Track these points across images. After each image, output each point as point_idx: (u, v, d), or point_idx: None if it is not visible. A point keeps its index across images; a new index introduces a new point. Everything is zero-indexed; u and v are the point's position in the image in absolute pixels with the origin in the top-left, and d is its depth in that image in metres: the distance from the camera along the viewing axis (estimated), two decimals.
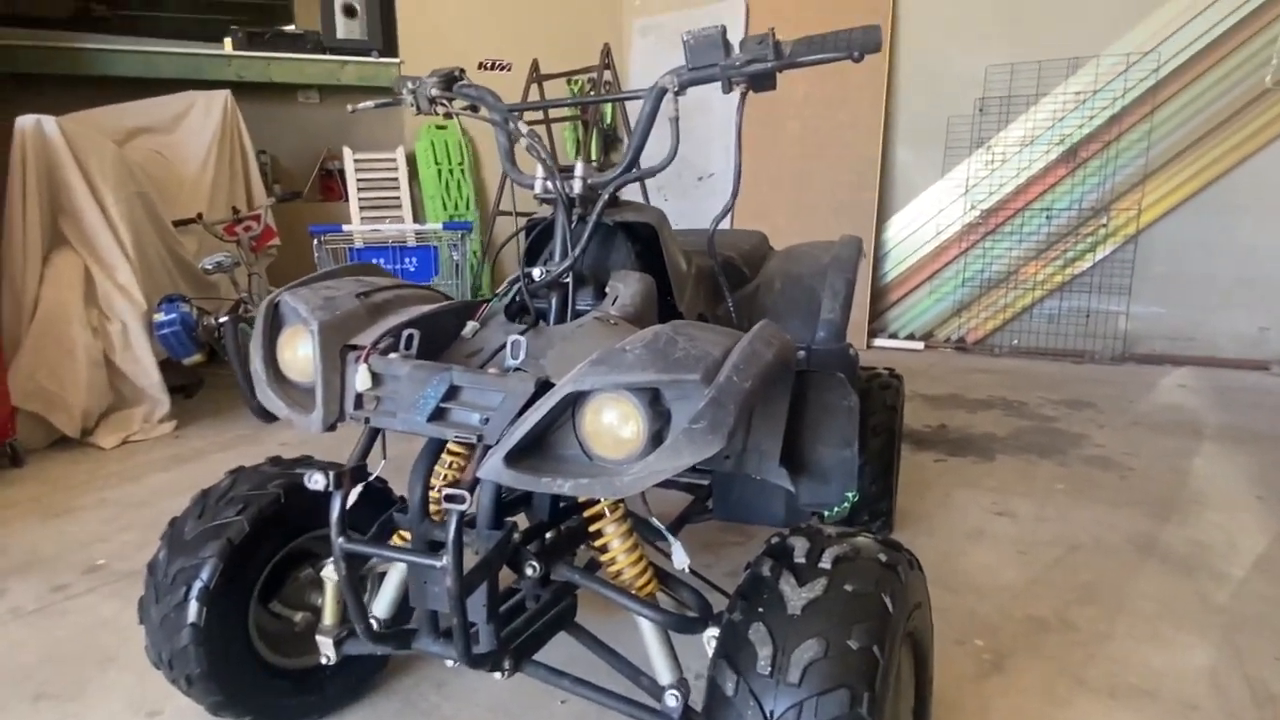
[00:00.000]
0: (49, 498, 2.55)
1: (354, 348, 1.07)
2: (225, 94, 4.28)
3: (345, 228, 3.73)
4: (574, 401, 0.93)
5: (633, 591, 1.12)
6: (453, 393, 0.98)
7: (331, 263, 3.81)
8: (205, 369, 3.55)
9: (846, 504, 1.37)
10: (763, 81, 1.20)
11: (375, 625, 1.11)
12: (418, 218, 5.23)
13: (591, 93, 5.30)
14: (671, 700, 1.08)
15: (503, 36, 5.44)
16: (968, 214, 4.86)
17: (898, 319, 5.20)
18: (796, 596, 0.92)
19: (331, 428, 1.05)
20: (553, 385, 0.94)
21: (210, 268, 3.37)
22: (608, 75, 5.08)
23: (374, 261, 3.74)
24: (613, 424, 0.92)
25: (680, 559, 1.15)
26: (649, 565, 1.16)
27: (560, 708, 1.44)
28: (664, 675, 1.11)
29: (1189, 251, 4.40)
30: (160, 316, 3.14)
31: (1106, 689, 1.51)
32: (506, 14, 5.45)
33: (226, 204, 4.07)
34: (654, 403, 0.91)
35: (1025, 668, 1.59)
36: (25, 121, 2.91)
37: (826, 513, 1.44)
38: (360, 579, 1.29)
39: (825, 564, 0.95)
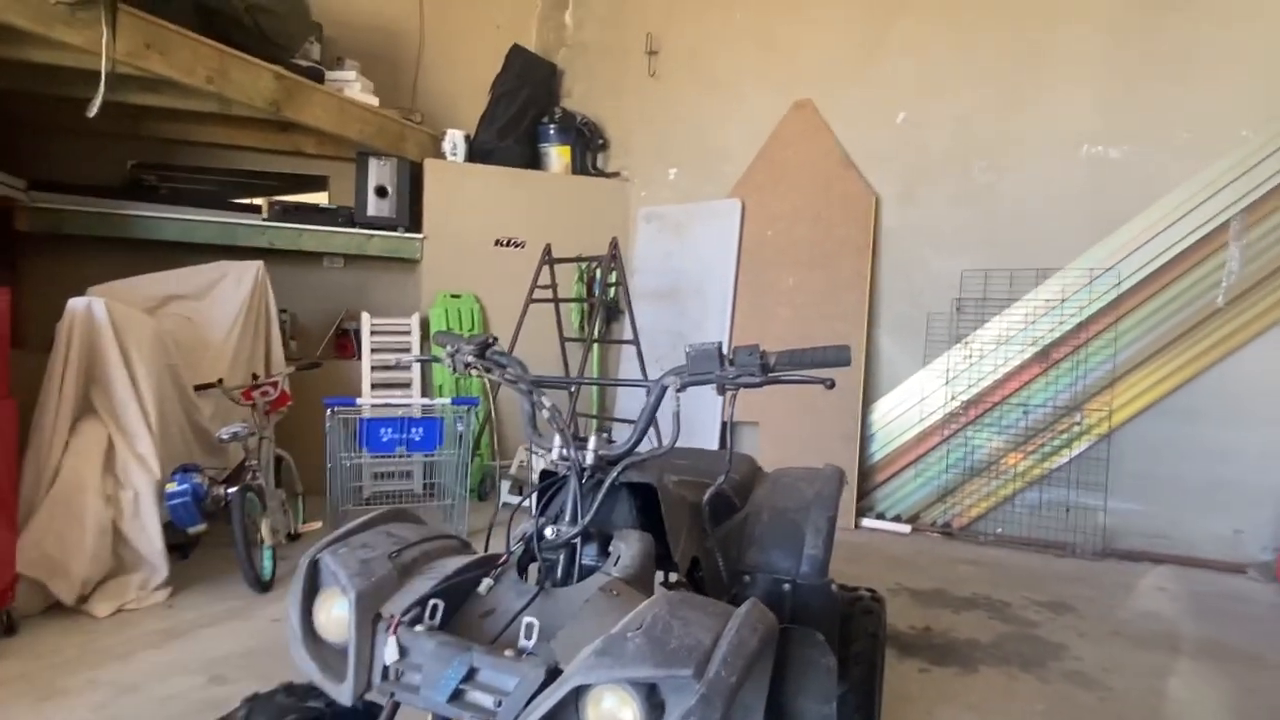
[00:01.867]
0: (40, 675, 2.57)
1: (382, 616, 1.20)
2: (258, 265, 4.60)
3: (357, 400, 3.92)
4: (580, 690, 1.05)
5: None
6: (471, 673, 1.11)
7: (342, 431, 3.98)
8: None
9: None
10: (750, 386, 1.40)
11: None
12: (426, 380, 5.47)
13: (598, 272, 5.63)
14: None
15: (517, 218, 5.91)
16: (949, 403, 5.10)
17: (885, 499, 5.33)
18: None
19: (359, 696, 1.16)
20: (560, 671, 1.07)
21: (226, 438, 3.52)
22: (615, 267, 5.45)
23: (382, 431, 3.92)
24: (612, 710, 1.04)
25: None
26: None
27: None
28: None
29: (1161, 452, 4.61)
30: (173, 486, 3.25)
31: None
32: (521, 198, 5.94)
33: (247, 369, 4.29)
34: (650, 694, 1.04)
35: None
36: (77, 304, 3.15)
37: None
38: None
39: None
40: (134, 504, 3.20)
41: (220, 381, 3.92)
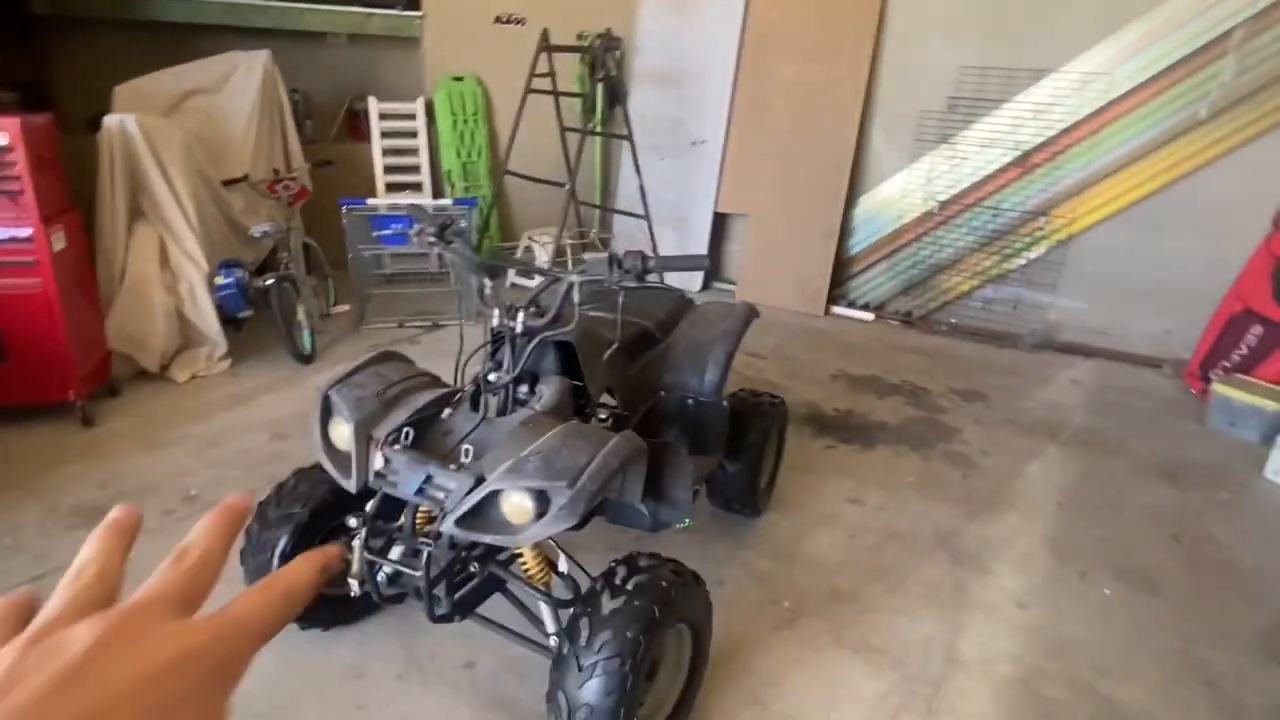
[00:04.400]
0: (145, 431, 3.38)
1: (373, 438, 1.81)
2: (265, 54, 4.79)
3: (369, 201, 4.37)
4: (495, 492, 1.68)
5: (533, 581, 1.91)
6: (428, 478, 1.74)
7: (358, 227, 4.48)
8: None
9: (686, 524, 2.16)
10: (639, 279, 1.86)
11: (382, 588, 1.91)
12: (434, 163, 5.81)
13: (599, 45, 5.64)
14: (552, 642, 1.89)
15: None
16: (927, 204, 5.38)
17: (857, 289, 5.82)
18: (608, 604, 1.70)
19: (360, 488, 1.81)
20: (484, 479, 1.69)
21: (258, 235, 4.05)
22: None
23: (391, 229, 4.42)
24: (515, 505, 1.67)
25: (562, 565, 1.93)
26: (545, 566, 1.94)
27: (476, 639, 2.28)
28: (550, 628, 1.92)
29: (1116, 257, 4.96)
30: (220, 280, 3.86)
31: (852, 645, 2.33)
32: None
33: (268, 162, 4.70)
34: (540, 496, 1.66)
35: (809, 625, 2.41)
36: (112, 120, 3.53)
37: (678, 525, 2.22)
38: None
39: (629, 585, 1.73)
40: (190, 293, 3.84)
41: (246, 176, 4.37)
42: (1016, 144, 5.02)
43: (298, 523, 2.05)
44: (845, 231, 5.71)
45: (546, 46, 5.24)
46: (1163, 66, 4.55)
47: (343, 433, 1.83)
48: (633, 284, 1.82)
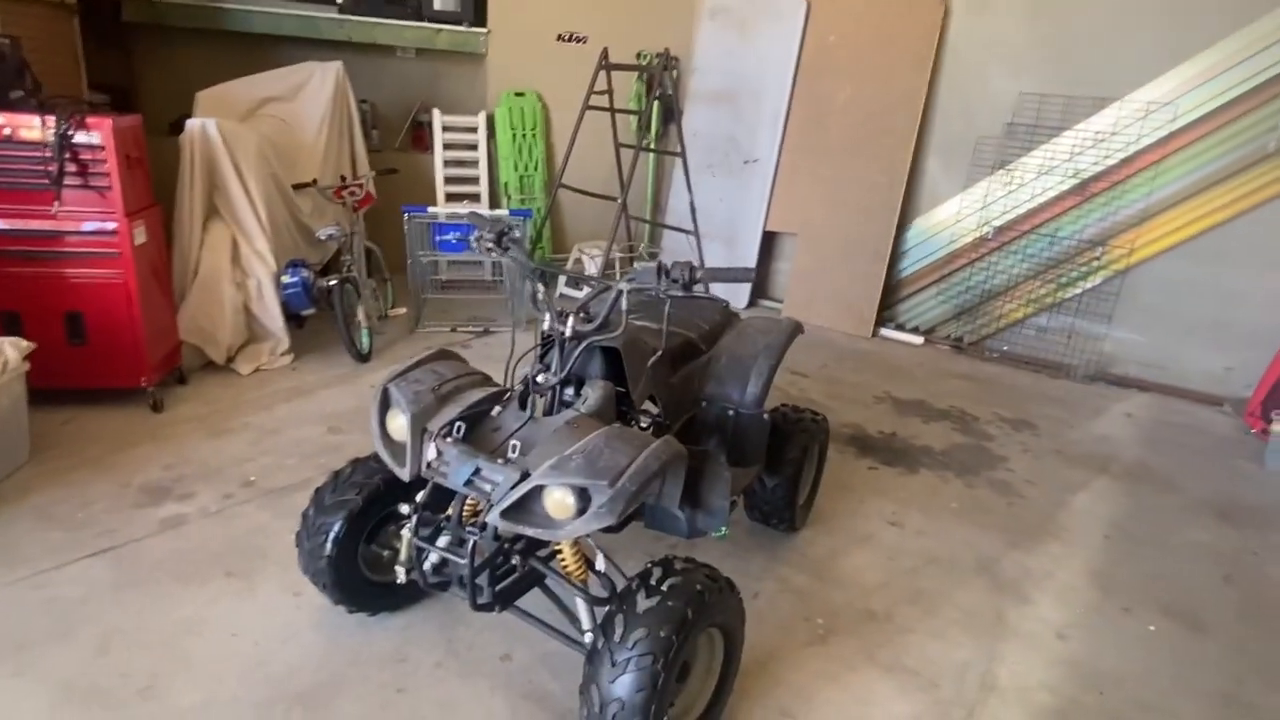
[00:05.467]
0: (209, 418, 3.55)
1: (427, 430, 1.90)
2: (337, 66, 5.01)
3: (429, 209, 4.52)
4: (539, 487, 1.74)
5: (571, 578, 1.97)
6: (477, 470, 1.81)
7: (418, 234, 4.65)
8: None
9: (722, 533, 2.20)
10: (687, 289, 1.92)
11: (428, 576, 1.99)
12: (492, 174, 5.98)
13: (657, 63, 5.76)
14: (588, 638, 1.94)
15: (579, 11, 5.97)
16: (982, 229, 5.33)
17: (907, 311, 5.79)
18: (643, 603, 1.75)
19: (415, 477, 1.90)
20: (529, 475, 1.75)
21: (323, 238, 4.23)
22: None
23: (450, 236, 4.57)
24: (557, 501, 1.73)
25: (600, 564, 1.98)
26: (583, 564, 2.00)
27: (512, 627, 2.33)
28: (585, 624, 1.97)
29: (1175, 290, 4.84)
30: (286, 278, 4.04)
31: (885, 665, 2.33)
32: None
33: (336, 169, 4.90)
34: (582, 493, 1.72)
35: (842, 643, 2.41)
36: (194, 124, 3.75)
37: (714, 534, 2.25)
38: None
39: (663, 586, 1.77)
40: (258, 290, 4.02)
41: (315, 181, 4.56)
42: (1075, 171, 4.95)
43: (351, 509, 2.15)
44: (896, 254, 5.69)
45: (606, 65, 5.37)
46: (1230, 98, 4.46)
47: (399, 423, 1.92)
48: (679, 293, 1.88)
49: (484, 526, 1.81)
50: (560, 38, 6.00)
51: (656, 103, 5.89)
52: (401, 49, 6.06)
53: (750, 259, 5.91)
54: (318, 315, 4.31)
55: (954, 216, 5.46)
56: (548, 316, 2.03)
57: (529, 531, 1.74)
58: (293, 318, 4.37)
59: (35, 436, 3.14)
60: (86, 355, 3.41)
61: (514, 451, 1.84)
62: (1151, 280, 4.88)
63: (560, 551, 1.99)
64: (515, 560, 1.96)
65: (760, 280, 6.15)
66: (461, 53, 5.95)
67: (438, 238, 4.54)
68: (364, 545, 2.23)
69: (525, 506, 1.76)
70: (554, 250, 6.23)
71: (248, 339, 4.12)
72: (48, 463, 3.08)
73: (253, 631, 2.27)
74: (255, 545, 2.66)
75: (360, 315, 4.30)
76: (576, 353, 1.99)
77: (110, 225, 3.28)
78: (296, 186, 4.50)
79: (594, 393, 2.05)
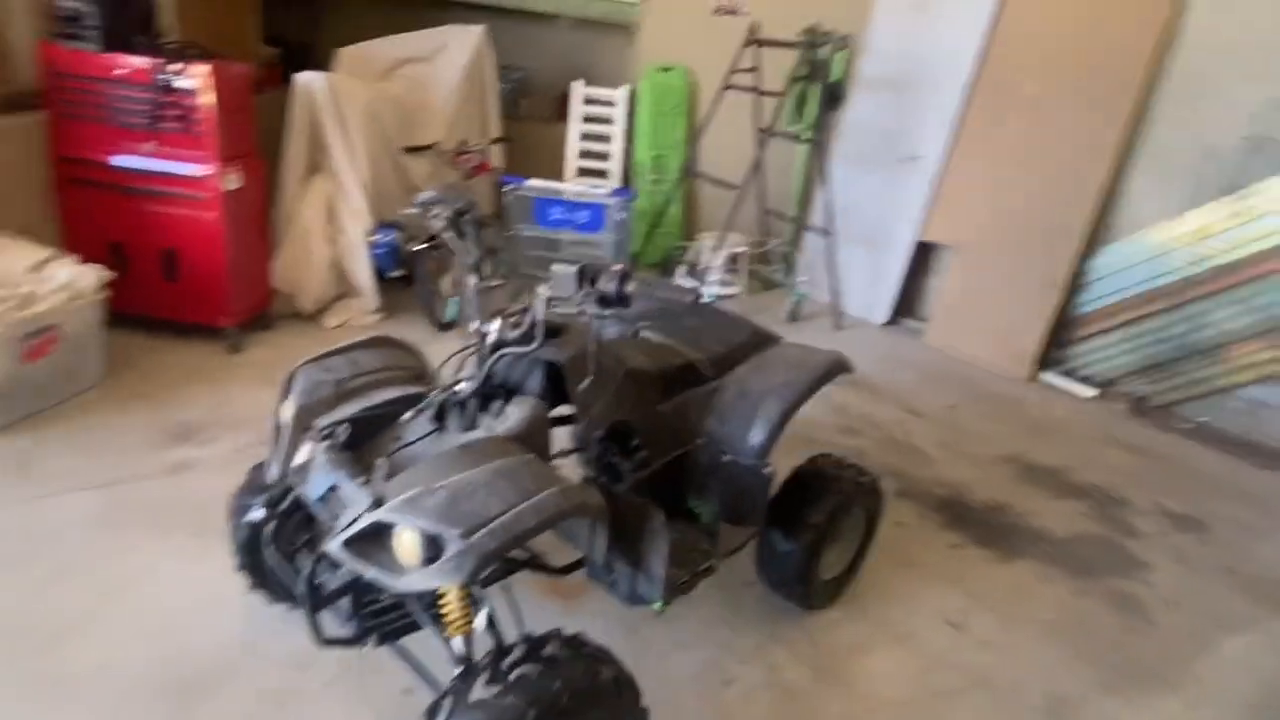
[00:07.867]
0: (275, 366, 3.56)
1: (311, 427, 1.66)
2: (479, 30, 4.96)
3: (528, 182, 4.35)
4: (387, 524, 1.44)
5: (448, 627, 1.66)
6: (333, 488, 1.55)
7: (519, 208, 4.50)
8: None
9: (659, 608, 1.79)
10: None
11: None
12: (627, 152, 5.72)
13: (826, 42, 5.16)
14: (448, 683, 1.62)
15: None
16: (1195, 266, 4.25)
17: (1081, 356, 4.79)
18: (478, 692, 1.41)
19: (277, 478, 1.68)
20: (383, 503, 1.46)
21: (421, 202, 4.18)
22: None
23: (552, 210, 4.39)
24: (405, 544, 1.42)
25: (479, 622, 1.65)
26: (465, 617, 1.67)
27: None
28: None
29: None
30: (377, 238, 4.04)
31: None
32: None
33: (465, 133, 4.85)
34: (433, 540, 1.40)
35: None
36: (302, 77, 3.82)
37: (652, 607, 1.84)
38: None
39: (511, 675, 1.42)
40: (350, 248, 4.06)
41: (434, 145, 4.54)
42: None
43: (272, 494, 1.97)
44: (1078, 285, 4.70)
45: (755, 40, 4.88)
46: None
47: (284, 414, 1.71)
48: (595, 309, 1.48)
49: (321, 555, 1.54)
50: (718, 10, 5.56)
51: (819, 86, 5.28)
52: (561, 18, 5.94)
53: (896, 270, 5.19)
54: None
55: (1159, 247, 4.40)
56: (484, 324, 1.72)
57: (368, 573, 1.45)
58: (386, 278, 4.39)
59: (119, 360, 3.36)
60: (177, 291, 3.60)
61: (379, 472, 1.56)
62: None
63: (443, 595, 1.69)
64: (383, 595, 1.69)
65: (907, 297, 5.38)
66: (613, 23, 5.71)
67: (539, 218, 4.35)
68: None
69: (376, 541, 1.48)
70: (684, 237, 5.86)
71: (339, 294, 4.20)
72: (116, 388, 3.26)
73: (179, 599, 2.20)
74: None
75: (445, 284, 4.23)
76: (489, 363, 1.67)
77: (202, 169, 3.40)
78: (413, 149, 4.50)
79: (518, 413, 1.71)
